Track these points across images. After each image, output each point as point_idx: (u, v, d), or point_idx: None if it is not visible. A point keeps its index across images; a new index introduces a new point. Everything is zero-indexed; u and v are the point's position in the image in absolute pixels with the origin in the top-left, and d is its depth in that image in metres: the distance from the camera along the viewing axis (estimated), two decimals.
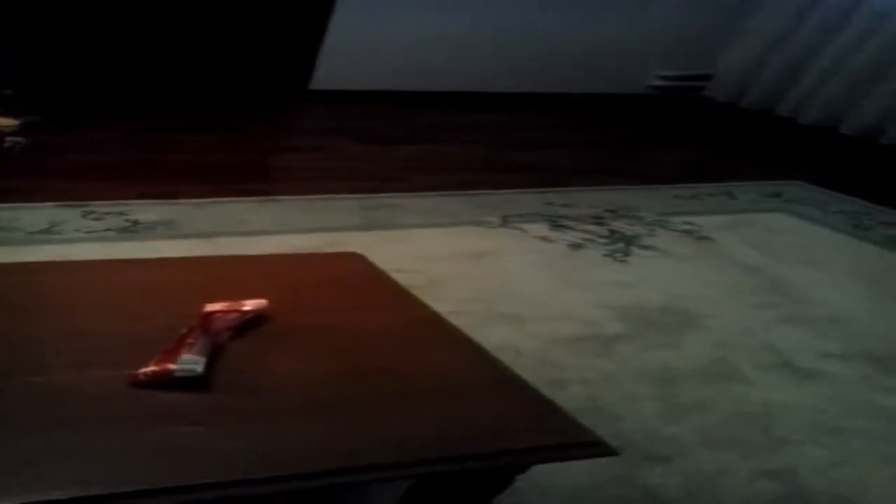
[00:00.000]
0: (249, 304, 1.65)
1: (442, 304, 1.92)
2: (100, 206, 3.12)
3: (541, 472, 1.75)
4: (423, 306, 1.85)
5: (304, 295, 1.81)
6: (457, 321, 1.80)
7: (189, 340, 1.49)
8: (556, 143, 4.78)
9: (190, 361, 1.44)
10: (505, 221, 3.48)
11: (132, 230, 2.98)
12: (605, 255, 3.29)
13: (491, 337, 2.34)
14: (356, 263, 2.03)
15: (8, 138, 3.64)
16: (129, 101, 4.40)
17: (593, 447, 1.49)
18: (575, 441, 1.49)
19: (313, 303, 1.78)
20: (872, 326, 2.95)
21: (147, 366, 1.43)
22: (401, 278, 1.99)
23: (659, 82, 6.00)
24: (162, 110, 4.40)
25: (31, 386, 1.41)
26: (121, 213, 3.09)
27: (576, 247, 3.34)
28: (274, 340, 1.61)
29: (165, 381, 1.42)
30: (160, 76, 4.49)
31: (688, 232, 3.60)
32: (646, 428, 2.24)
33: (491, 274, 3.03)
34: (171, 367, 1.43)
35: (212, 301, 1.63)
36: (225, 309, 1.62)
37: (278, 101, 4.87)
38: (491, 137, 4.74)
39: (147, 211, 3.14)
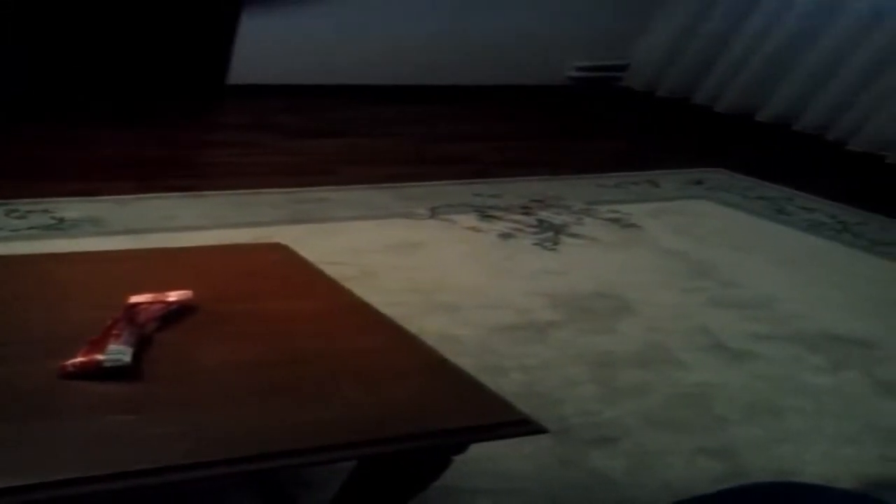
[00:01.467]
0: (174, 295, 1.65)
1: (378, 295, 1.92)
2: (23, 205, 3.04)
3: (485, 456, 1.78)
4: (348, 293, 1.86)
5: (230, 285, 1.80)
6: (394, 311, 1.80)
7: (115, 331, 1.48)
8: (481, 136, 4.80)
9: (117, 352, 1.44)
10: (434, 213, 3.49)
11: (58, 227, 2.92)
12: (535, 244, 3.32)
13: (429, 326, 2.38)
14: (280, 253, 2.03)
15: None
16: (46, 98, 4.30)
17: (524, 425, 1.50)
18: (505, 420, 1.51)
19: (239, 292, 1.78)
20: (798, 308, 3.02)
21: (74, 357, 1.42)
22: (334, 271, 1.98)
23: (576, 73, 6.05)
24: (81, 107, 4.31)
25: None
26: (45, 211, 3.03)
27: (506, 236, 3.36)
28: (200, 329, 1.61)
29: (94, 372, 1.41)
30: (77, 74, 4.40)
31: (614, 220, 3.64)
32: (586, 411, 2.27)
33: (424, 265, 3.03)
34: (99, 357, 1.42)
35: (137, 293, 1.63)
36: (150, 300, 1.62)
37: (196, 96, 4.81)
38: (415, 130, 4.73)
39: (72, 208, 3.07)
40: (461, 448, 1.54)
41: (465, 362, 1.66)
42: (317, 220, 3.29)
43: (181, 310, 1.63)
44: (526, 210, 3.65)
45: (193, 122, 4.58)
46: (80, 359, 1.42)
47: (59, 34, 4.32)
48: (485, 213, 3.55)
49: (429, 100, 5.28)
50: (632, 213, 3.72)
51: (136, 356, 1.46)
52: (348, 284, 1.90)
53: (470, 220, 3.47)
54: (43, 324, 1.58)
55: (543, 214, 3.62)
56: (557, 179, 4.10)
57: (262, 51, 4.81)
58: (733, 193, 4.15)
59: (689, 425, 2.26)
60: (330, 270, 1.97)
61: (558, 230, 3.47)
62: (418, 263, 3.04)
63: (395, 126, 4.77)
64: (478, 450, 1.52)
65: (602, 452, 2.10)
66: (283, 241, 2.10)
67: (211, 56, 4.82)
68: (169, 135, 4.18)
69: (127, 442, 1.29)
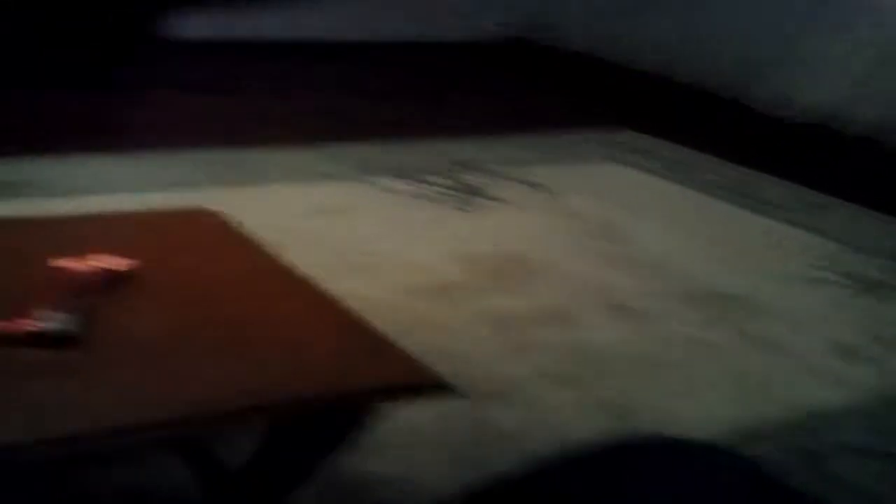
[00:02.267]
0: (106, 261, 1.67)
1: (295, 257, 1.99)
2: None
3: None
4: (273, 258, 1.92)
5: (159, 251, 1.82)
6: (310, 274, 1.88)
7: (48, 297, 1.50)
8: (402, 94, 4.87)
9: (50, 318, 1.46)
10: (355, 174, 3.59)
11: None
12: (451, 206, 3.46)
13: (343, 288, 2.44)
14: (209, 219, 2.06)
15: None
16: None
17: (437, 387, 1.60)
18: (419, 382, 1.59)
19: (168, 258, 1.81)
20: (690, 268, 3.23)
21: (6, 322, 1.44)
22: (255, 234, 2.04)
23: (495, 30, 6.09)
24: (12, 64, 4.30)
25: None
26: None
27: (423, 198, 3.49)
28: (129, 295, 1.63)
29: (23, 338, 1.43)
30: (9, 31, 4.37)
31: (528, 182, 3.79)
32: (489, 368, 2.43)
33: (342, 227, 3.14)
34: (29, 323, 1.45)
35: (68, 258, 1.65)
36: (84, 266, 1.64)
37: (127, 50, 4.77)
38: (338, 90, 4.79)
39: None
40: (373, 408, 1.63)
41: (375, 323, 1.74)
42: (240, 182, 3.36)
43: (112, 276, 1.65)
44: (443, 172, 3.76)
45: (124, 79, 4.54)
46: (8, 324, 1.43)
47: None
48: (406, 175, 3.66)
49: (351, 56, 5.32)
50: (543, 175, 3.87)
51: (67, 322, 1.47)
52: (268, 248, 1.97)
53: (391, 182, 3.58)
54: None
55: (462, 177, 3.74)
56: (474, 140, 4.21)
57: (190, 5, 4.80)
58: (639, 154, 4.32)
59: (583, 381, 2.45)
60: (251, 234, 2.02)
61: (474, 192, 3.61)
62: (337, 225, 3.14)
63: (317, 85, 4.82)
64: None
65: (501, 407, 2.27)
66: (206, 205, 2.15)
67: (144, 9, 4.78)
68: (98, 93, 4.15)
69: (53, 408, 1.33)
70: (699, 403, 2.45)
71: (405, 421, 1.99)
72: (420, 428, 2.12)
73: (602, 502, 1.72)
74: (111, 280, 1.66)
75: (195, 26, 4.82)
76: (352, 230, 3.14)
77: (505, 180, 3.78)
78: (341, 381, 1.55)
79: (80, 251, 1.69)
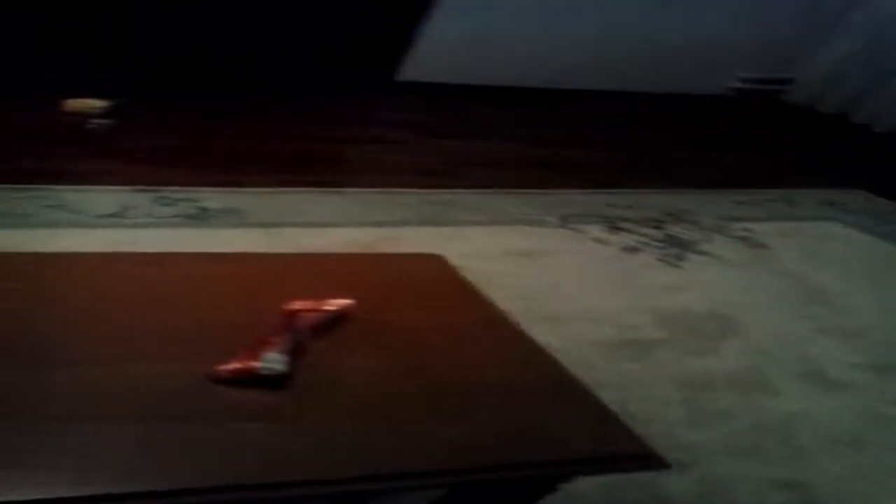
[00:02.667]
0: (332, 304, 1.68)
1: None
2: (172, 192, 3.25)
3: None
4: (493, 308, 1.90)
5: (384, 295, 1.83)
6: None
7: (273, 338, 1.51)
8: (627, 144, 4.82)
9: (274, 360, 1.47)
10: (563, 221, 3.55)
11: (199, 217, 3.12)
12: (659, 260, 3.36)
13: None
14: (435, 264, 2.07)
15: (93, 120, 3.79)
16: (210, 86, 4.53)
17: (646, 460, 1.51)
18: (627, 453, 1.51)
19: (392, 303, 1.81)
20: None
21: (230, 362, 1.45)
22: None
23: (739, 84, 5.99)
24: (242, 96, 4.53)
25: (109, 376, 1.44)
26: (191, 200, 3.23)
27: (630, 250, 3.40)
28: (353, 340, 1.64)
29: (248, 379, 1.45)
30: (245, 60, 4.59)
31: (744, 238, 3.65)
32: (670, 434, 2.31)
33: (541, 273, 3.10)
34: (256, 364, 1.45)
35: (291, 298, 1.65)
36: (308, 307, 1.64)
37: (361, 91, 4.96)
38: (563, 135, 4.79)
39: (216, 198, 3.26)
40: (572, 476, 1.57)
41: None
42: (444, 223, 3.38)
43: (333, 318, 1.66)
44: (656, 224, 3.68)
45: (350, 117, 4.74)
46: (235, 364, 1.45)
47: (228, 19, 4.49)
48: (614, 225, 3.60)
49: (586, 104, 5.32)
50: (761, 232, 3.72)
51: (280, 364, 1.48)
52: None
53: (597, 230, 3.52)
54: (197, 325, 1.62)
55: (674, 229, 3.64)
56: (695, 193, 4.11)
57: (426, 51, 4.91)
58: (869, 217, 4.09)
59: (768, 454, 2.29)
60: None
61: (685, 247, 3.49)
62: (536, 272, 3.10)
63: (541, 130, 4.83)
64: None
65: (675, 477, 2.14)
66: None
67: (386, 52, 4.94)
68: (323, 129, 4.34)
69: (248, 452, 1.34)
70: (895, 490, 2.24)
71: (572, 484, 1.90)
72: (587, 493, 2.01)
73: None
74: (331, 322, 1.66)
75: (418, 70, 4.95)
76: (549, 277, 3.09)
77: (719, 235, 3.64)
78: (550, 449, 1.50)
79: (304, 291, 1.70)
